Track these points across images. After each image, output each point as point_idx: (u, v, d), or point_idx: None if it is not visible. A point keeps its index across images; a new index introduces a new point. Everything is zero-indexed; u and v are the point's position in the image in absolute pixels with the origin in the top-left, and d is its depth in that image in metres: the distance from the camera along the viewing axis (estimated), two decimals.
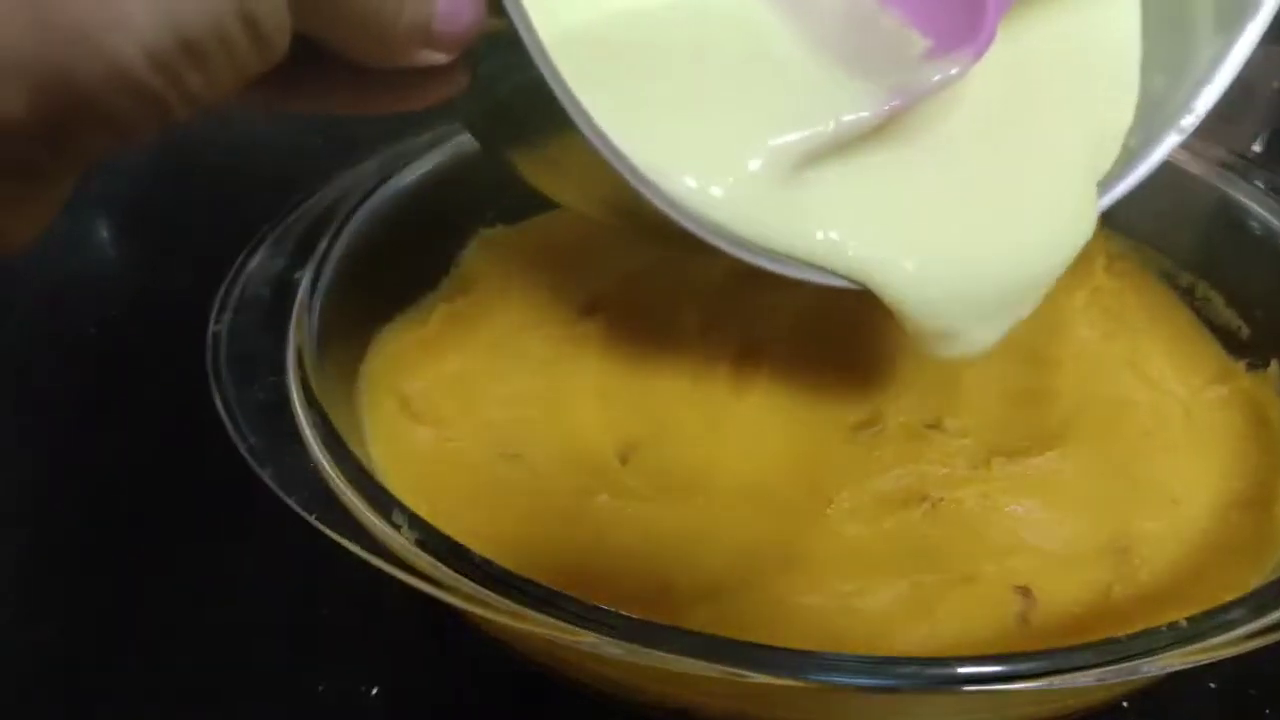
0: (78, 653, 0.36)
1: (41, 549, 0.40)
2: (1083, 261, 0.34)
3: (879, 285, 0.31)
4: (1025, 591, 0.33)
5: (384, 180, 0.41)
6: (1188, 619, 0.27)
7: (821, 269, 0.30)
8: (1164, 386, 0.40)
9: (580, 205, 0.32)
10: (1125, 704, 0.33)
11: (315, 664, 0.35)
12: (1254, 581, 0.31)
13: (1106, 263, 0.44)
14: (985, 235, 0.32)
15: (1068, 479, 0.37)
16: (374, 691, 0.34)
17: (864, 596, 0.32)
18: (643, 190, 0.26)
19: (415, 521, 0.28)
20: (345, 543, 0.27)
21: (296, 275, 0.36)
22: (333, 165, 0.41)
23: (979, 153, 0.33)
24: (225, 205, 0.52)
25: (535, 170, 0.31)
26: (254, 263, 0.36)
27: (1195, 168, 0.42)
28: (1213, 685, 0.34)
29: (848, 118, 0.29)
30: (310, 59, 0.21)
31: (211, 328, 0.34)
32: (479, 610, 0.26)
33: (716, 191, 0.28)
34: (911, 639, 0.31)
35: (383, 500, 0.29)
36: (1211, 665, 0.27)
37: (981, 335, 0.33)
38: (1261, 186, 0.42)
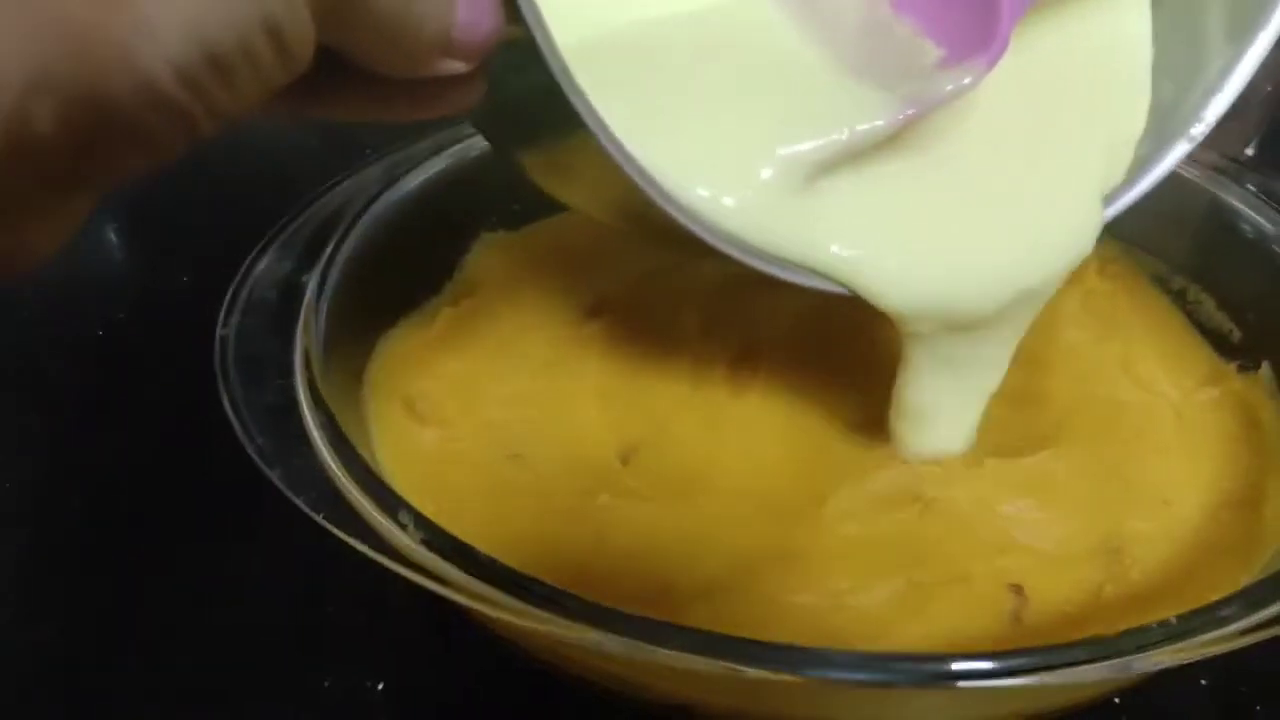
0: (78, 653, 0.36)
1: (42, 549, 0.40)
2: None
3: (888, 306, 0.31)
4: (1018, 590, 0.33)
5: (389, 185, 0.41)
6: (1178, 616, 0.27)
7: (830, 279, 0.31)
8: (1156, 388, 0.41)
9: (589, 208, 0.33)
10: (1117, 700, 0.34)
11: (321, 663, 0.35)
12: (1244, 581, 0.32)
13: (1099, 266, 0.45)
14: (997, 244, 0.33)
15: (1060, 479, 0.37)
16: (380, 687, 0.34)
17: (859, 595, 0.33)
18: (661, 202, 0.27)
19: (421, 521, 0.29)
20: (352, 542, 0.28)
21: (303, 278, 0.37)
22: (334, 167, 0.42)
23: (992, 162, 0.33)
24: (228, 206, 0.52)
25: (545, 173, 0.31)
26: (261, 266, 0.37)
27: (1188, 172, 0.42)
28: (1204, 682, 0.35)
29: (861, 127, 0.30)
30: (330, 68, 0.21)
31: (220, 330, 0.34)
32: (483, 608, 0.27)
33: (729, 201, 0.29)
34: (905, 636, 0.32)
35: (389, 500, 0.29)
36: (1202, 662, 0.27)
37: None
38: (1253, 190, 0.42)
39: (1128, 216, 0.35)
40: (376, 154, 0.43)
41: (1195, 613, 0.27)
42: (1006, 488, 0.36)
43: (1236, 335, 0.42)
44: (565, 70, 0.23)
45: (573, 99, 0.24)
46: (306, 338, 0.34)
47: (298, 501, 0.29)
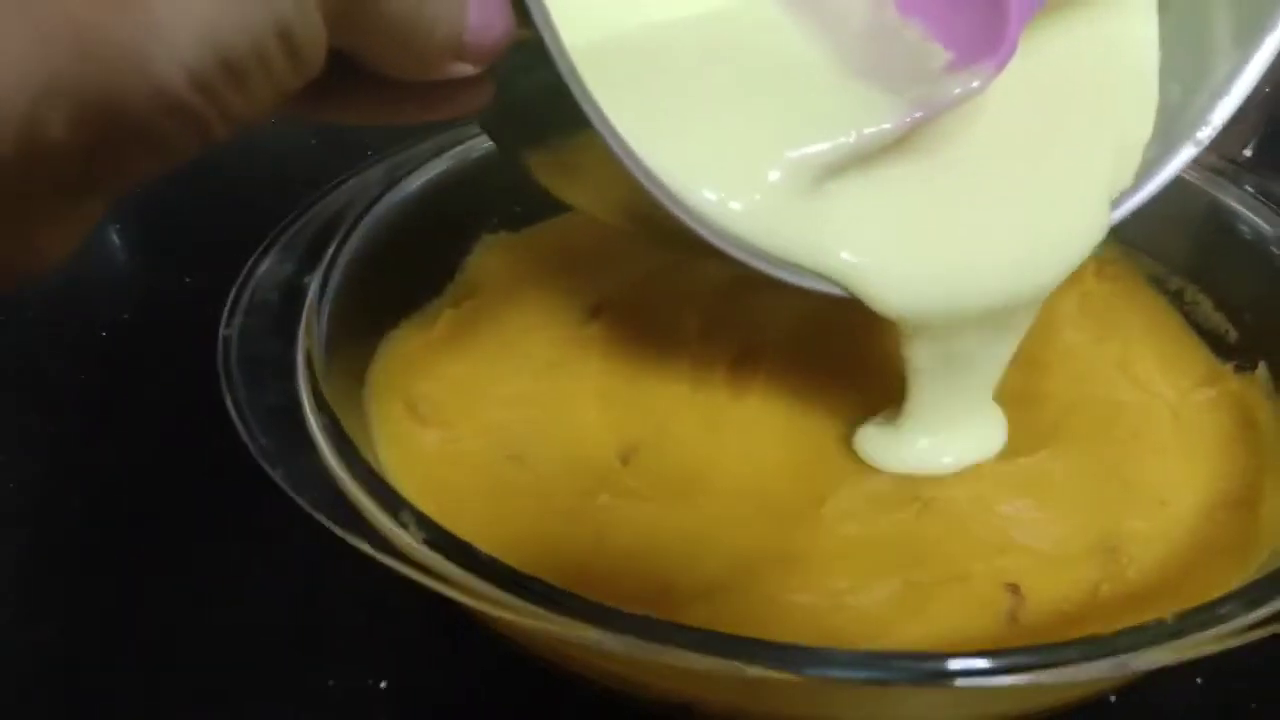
0: (78, 653, 0.36)
1: (42, 549, 0.40)
2: None
3: (891, 311, 0.32)
4: (1015, 590, 0.33)
5: (390, 186, 0.41)
6: (1175, 615, 0.27)
7: (834, 284, 0.31)
8: (1153, 389, 0.41)
9: (594, 209, 0.33)
10: (1113, 699, 0.34)
11: (323, 663, 0.35)
12: (1240, 580, 0.32)
13: (1097, 267, 0.45)
14: (1004, 248, 0.33)
15: (1058, 479, 0.37)
16: (382, 685, 0.34)
17: (858, 594, 0.33)
18: (668, 204, 0.27)
19: (423, 521, 0.29)
20: (355, 542, 0.28)
21: (305, 280, 0.37)
22: (336, 167, 0.42)
23: (1000, 165, 0.33)
24: (230, 207, 0.52)
25: (551, 174, 0.32)
26: (263, 267, 0.37)
27: (1186, 173, 0.42)
28: (1199, 680, 0.35)
29: (869, 130, 0.30)
30: (341, 71, 0.21)
31: (222, 331, 0.34)
32: (485, 607, 0.27)
33: (736, 203, 0.29)
34: (904, 636, 0.32)
35: (390, 500, 0.29)
36: (1198, 660, 0.27)
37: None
38: (1251, 191, 0.42)
39: (1126, 218, 0.35)
40: (378, 155, 0.43)
41: (1192, 612, 0.27)
42: (1004, 488, 0.36)
43: (1233, 336, 0.42)
44: (573, 72, 0.23)
45: (580, 100, 0.24)
46: (309, 339, 0.35)
47: (301, 501, 0.29)
